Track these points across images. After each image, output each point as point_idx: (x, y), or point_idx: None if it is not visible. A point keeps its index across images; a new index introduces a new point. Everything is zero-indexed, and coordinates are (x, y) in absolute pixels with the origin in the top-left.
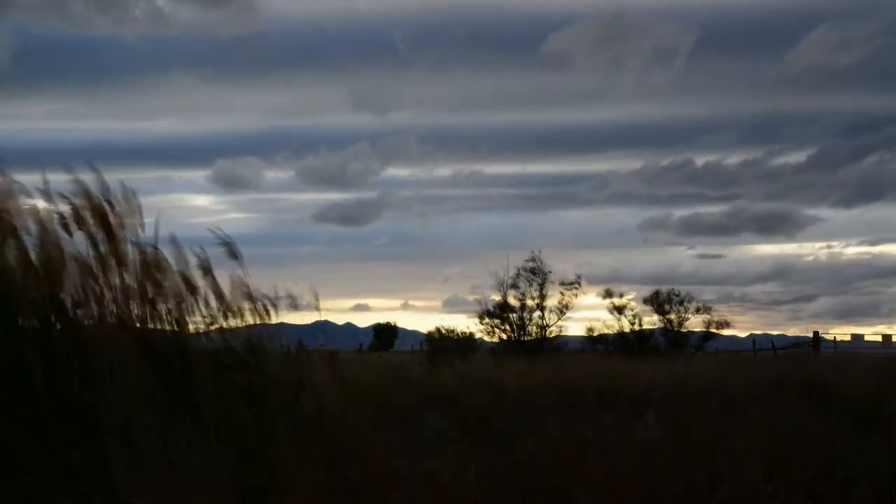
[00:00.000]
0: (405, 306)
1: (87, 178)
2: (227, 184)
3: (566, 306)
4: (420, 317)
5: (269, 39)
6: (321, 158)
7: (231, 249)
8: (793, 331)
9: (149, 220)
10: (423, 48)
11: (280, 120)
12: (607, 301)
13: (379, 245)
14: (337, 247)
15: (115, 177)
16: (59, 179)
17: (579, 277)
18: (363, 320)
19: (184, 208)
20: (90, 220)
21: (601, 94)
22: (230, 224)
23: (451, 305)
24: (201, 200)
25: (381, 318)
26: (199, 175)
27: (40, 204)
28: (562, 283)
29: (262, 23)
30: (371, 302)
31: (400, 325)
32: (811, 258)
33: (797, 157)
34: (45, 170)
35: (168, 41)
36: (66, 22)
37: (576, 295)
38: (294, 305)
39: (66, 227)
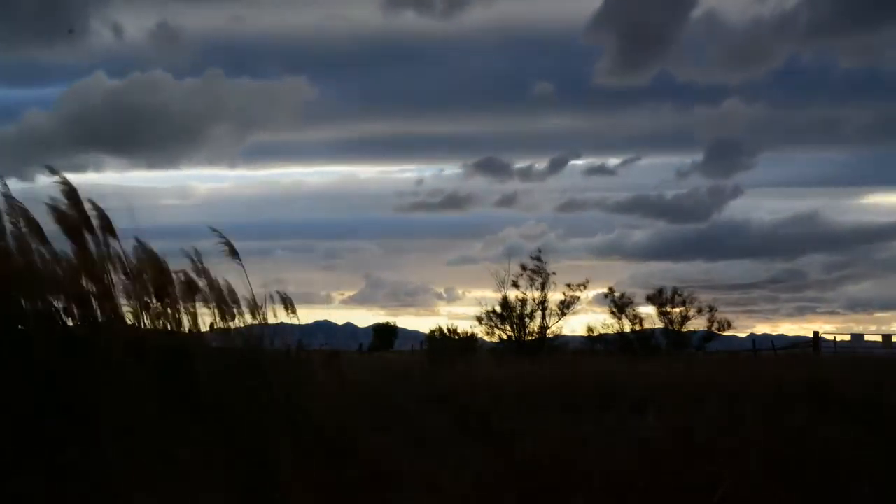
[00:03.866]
0: None
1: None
2: None
3: (568, 305)
4: None
5: None
6: None
7: (231, 247)
8: None
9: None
10: None
11: None
12: (609, 299)
13: None
14: None
15: None
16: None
17: (587, 280)
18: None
19: None
20: (84, 221)
21: None
22: None
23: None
24: None
25: None
26: None
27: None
28: (567, 285)
29: None
30: None
31: None
32: None
33: None
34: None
35: None
36: None
37: (578, 297)
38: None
39: (66, 228)
